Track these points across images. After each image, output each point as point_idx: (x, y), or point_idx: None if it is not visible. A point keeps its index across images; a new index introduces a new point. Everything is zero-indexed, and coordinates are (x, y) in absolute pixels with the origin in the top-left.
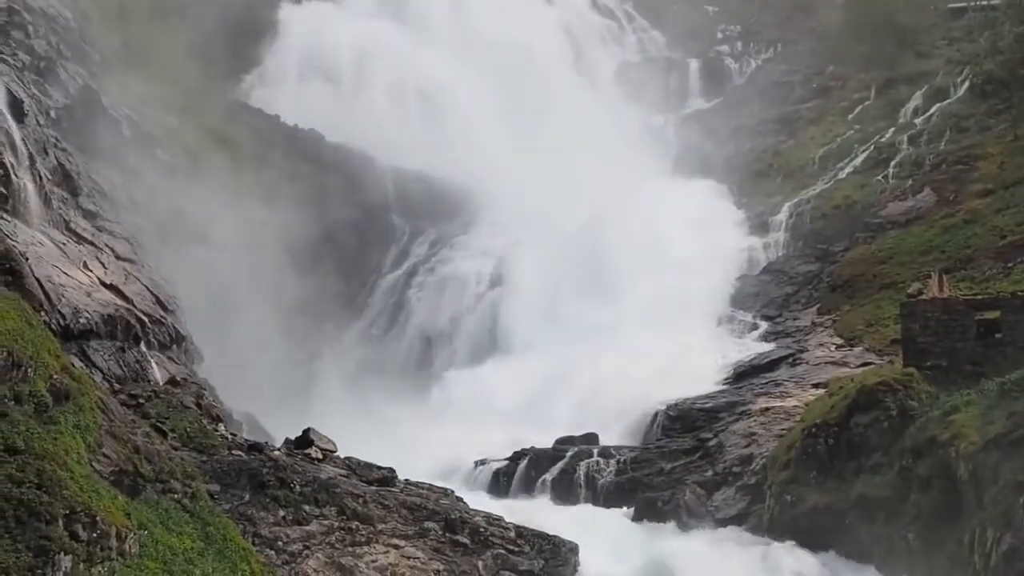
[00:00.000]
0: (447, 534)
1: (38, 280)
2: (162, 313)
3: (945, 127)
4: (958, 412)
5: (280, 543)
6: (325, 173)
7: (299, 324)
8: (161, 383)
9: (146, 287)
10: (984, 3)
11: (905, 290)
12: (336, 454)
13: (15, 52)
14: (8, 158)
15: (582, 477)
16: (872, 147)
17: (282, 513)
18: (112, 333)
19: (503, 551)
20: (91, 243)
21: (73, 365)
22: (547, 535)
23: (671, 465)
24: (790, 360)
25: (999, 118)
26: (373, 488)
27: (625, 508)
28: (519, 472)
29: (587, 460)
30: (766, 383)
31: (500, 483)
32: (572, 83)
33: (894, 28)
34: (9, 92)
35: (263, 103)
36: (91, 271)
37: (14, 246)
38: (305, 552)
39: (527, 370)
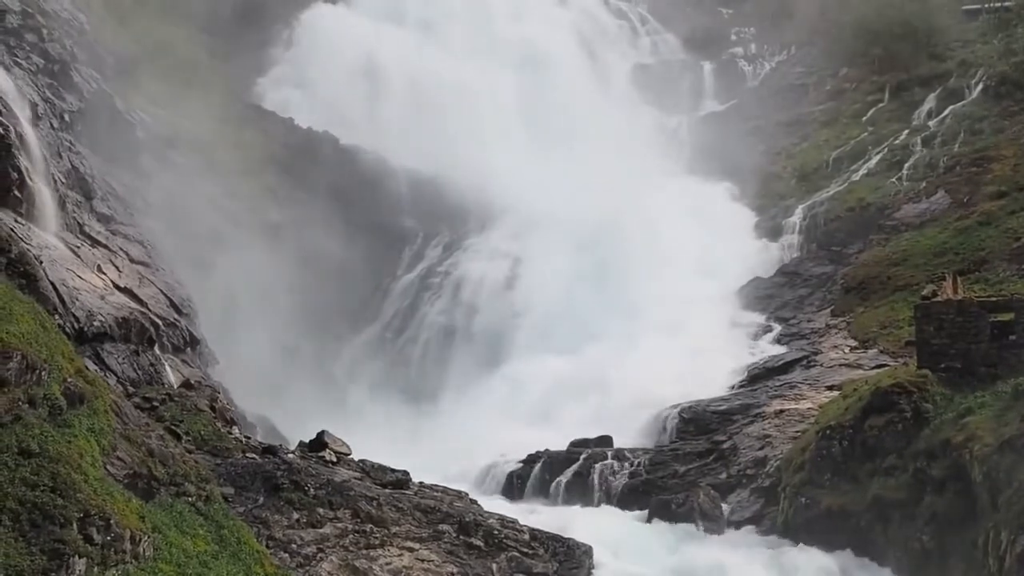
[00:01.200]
0: (461, 536)
1: (52, 283)
2: (176, 316)
3: (959, 129)
4: (972, 414)
5: (294, 546)
6: (339, 175)
7: (313, 326)
8: (175, 386)
9: (160, 290)
10: (998, 5)
11: (919, 292)
12: (350, 457)
13: (29, 55)
14: (23, 162)
15: (596, 479)
16: (886, 149)
17: (296, 516)
18: (126, 336)
19: (517, 553)
20: (105, 246)
21: (87, 368)
22: (561, 537)
23: (685, 467)
24: (804, 362)
25: (1013, 120)
26: (387, 491)
27: (639, 510)
28: (533, 474)
29: (601, 462)
30: (780, 385)
31: (514, 485)
32: (586, 85)
33: (908, 30)
34: (23, 95)
35: (277, 106)
36: (105, 274)
37: (28, 249)
38: (319, 555)
39: (541, 372)
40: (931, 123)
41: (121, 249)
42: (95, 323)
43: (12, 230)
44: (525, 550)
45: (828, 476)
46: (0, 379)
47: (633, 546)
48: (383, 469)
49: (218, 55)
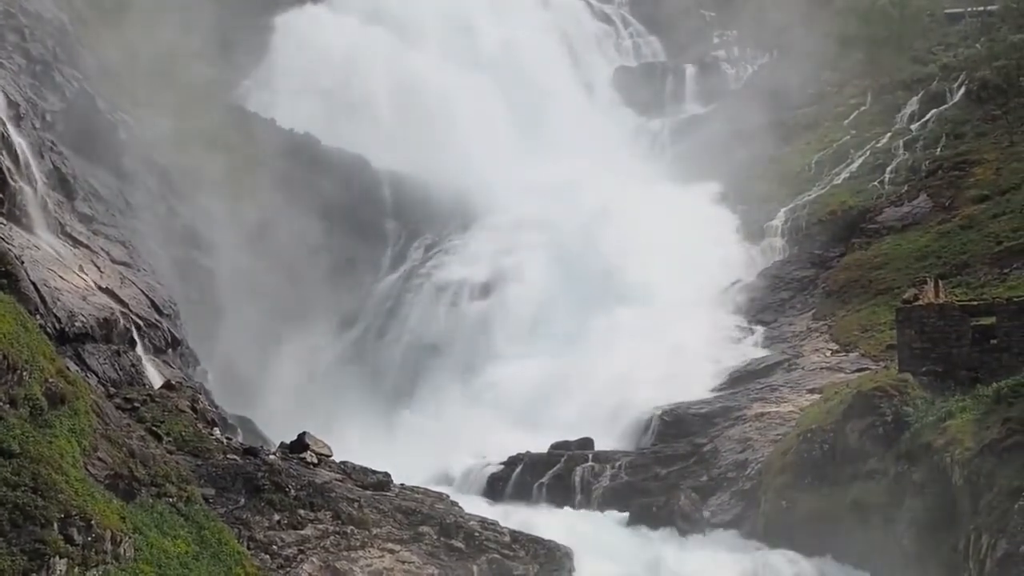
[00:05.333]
0: (442, 539)
1: (33, 284)
2: (157, 317)
3: (941, 133)
4: (953, 418)
5: (275, 547)
6: (320, 177)
7: (294, 328)
8: (156, 387)
9: (141, 291)
10: (980, 9)
11: (901, 296)
12: (331, 458)
13: (11, 55)
14: (5, 162)
15: (577, 482)
16: (868, 152)
17: (277, 517)
18: (107, 337)
19: (498, 556)
20: (87, 247)
21: (68, 369)
22: (542, 540)
23: (666, 470)
24: (785, 365)
25: (995, 124)
26: (368, 492)
27: (620, 513)
28: (514, 477)
29: (582, 465)
30: (761, 388)
31: (495, 488)
32: (569, 88)
33: (890, 34)
34: (5, 95)
35: (259, 107)
36: (86, 275)
37: (10, 249)
38: (300, 556)
39: (523, 375)
40: (913, 127)
41: (103, 249)
42: (76, 323)
43: None
44: (506, 552)
45: (809, 479)
46: None
47: (614, 548)
48: (364, 471)
49: (200, 56)
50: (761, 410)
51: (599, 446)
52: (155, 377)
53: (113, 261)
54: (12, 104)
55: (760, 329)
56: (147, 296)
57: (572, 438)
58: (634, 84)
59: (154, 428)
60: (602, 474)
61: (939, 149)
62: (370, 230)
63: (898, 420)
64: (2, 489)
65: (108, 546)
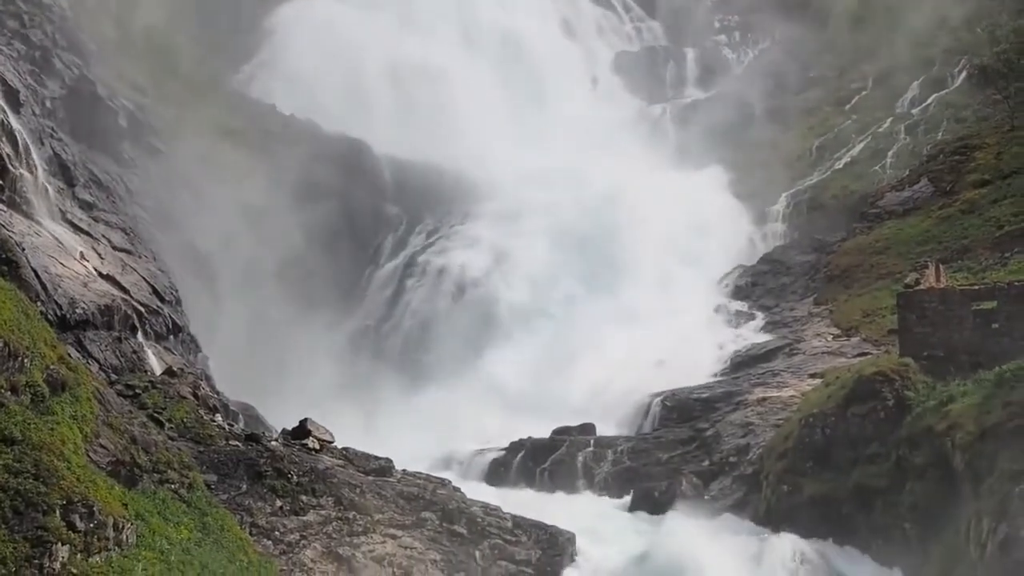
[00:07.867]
0: (444, 524)
1: (34, 270)
2: (159, 303)
3: (943, 117)
4: (954, 402)
5: (277, 533)
6: (322, 162)
7: (296, 314)
8: (158, 373)
9: (143, 277)
10: None
11: (902, 280)
12: (333, 444)
13: (10, 41)
14: (4, 148)
15: (579, 467)
16: (869, 137)
17: (279, 503)
18: (109, 323)
19: (500, 541)
20: (88, 233)
21: (70, 355)
22: (544, 525)
23: (668, 455)
24: (787, 350)
25: (997, 108)
26: (370, 478)
27: (622, 498)
28: (516, 462)
29: (584, 450)
30: (763, 373)
31: (498, 473)
32: (570, 72)
33: (892, 18)
34: (5, 82)
35: (261, 92)
36: (87, 261)
37: (10, 236)
38: (302, 542)
39: (524, 360)
40: (915, 111)
41: (103, 236)
42: (78, 310)
43: None
44: (508, 537)
45: (810, 464)
46: None
47: (616, 533)
48: (366, 457)
49: (201, 42)
50: (763, 395)
51: (600, 431)
52: (156, 364)
53: (114, 248)
54: (12, 91)
55: (761, 314)
56: (148, 283)
57: (574, 423)
58: (635, 69)
59: (156, 415)
60: (604, 459)
61: (940, 133)
62: (372, 215)
63: (899, 404)
64: (4, 476)
65: (110, 532)
